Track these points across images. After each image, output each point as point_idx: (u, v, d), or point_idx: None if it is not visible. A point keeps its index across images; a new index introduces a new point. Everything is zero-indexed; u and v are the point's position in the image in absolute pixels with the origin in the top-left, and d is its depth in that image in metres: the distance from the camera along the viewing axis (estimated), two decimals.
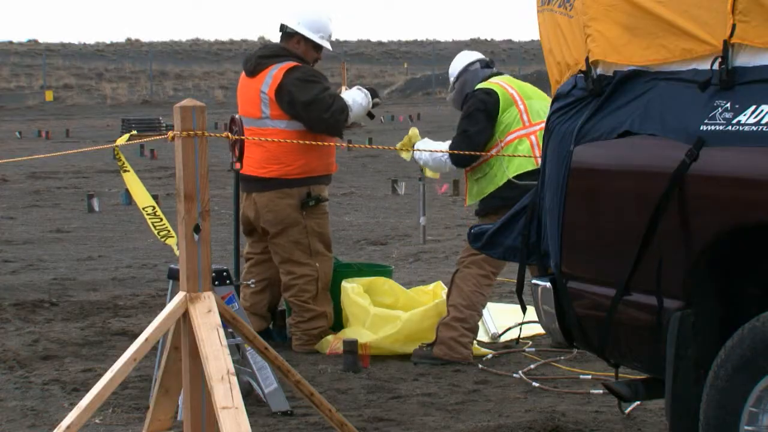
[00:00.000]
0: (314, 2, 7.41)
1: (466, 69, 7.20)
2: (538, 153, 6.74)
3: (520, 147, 6.85)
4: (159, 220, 6.96)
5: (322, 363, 6.76)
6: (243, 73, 7.25)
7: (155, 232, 6.96)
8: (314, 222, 7.09)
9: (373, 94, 7.34)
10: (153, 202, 7.02)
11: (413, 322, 6.90)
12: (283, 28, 7.25)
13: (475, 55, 7.34)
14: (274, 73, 7.01)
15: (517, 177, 6.78)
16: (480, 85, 7.07)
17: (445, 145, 7.10)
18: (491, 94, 6.94)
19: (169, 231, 6.92)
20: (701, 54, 3.94)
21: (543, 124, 6.61)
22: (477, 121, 6.90)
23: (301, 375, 4.50)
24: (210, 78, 57.40)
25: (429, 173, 7.48)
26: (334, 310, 7.19)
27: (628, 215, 4.09)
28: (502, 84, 7.04)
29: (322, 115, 6.94)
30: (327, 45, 7.26)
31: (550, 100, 7.02)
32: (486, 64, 7.27)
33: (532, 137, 6.86)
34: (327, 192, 7.24)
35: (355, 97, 7.17)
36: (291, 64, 7.04)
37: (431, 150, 7.12)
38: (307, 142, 6.77)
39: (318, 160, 7.09)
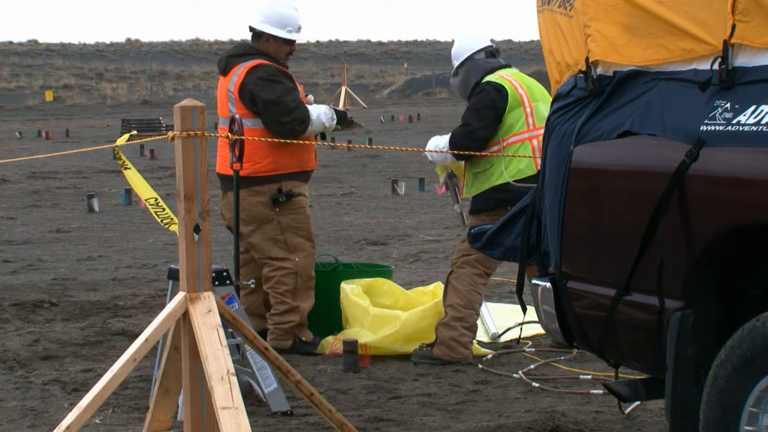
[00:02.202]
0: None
1: (471, 57, 7.08)
2: (539, 156, 6.67)
3: (522, 150, 6.83)
4: (162, 209, 6.98)
5: (322, 363, 6.76)
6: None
7: (159, 220, 6.99)
8: (289, 218, 7.03)
9: (342, 118, 7.23)
10: (155, 194, 7.05)
11: (412, 322, 6.91)
12: (250, 28, 7.21)
13: (480, 43, 7.14)
14: (240, 71, 7.01)
15: (516, 181, 6.75)
16: (490, 78, 7.00)
17: (445, 138, 7.02)
18: (501, 91, 6.91)
19: (172, 219, 6.94)
20: (701, 54, 3.94)
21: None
22: (483, 118, 6.86)
23: (301, 375, 4.50)
24: (210, 78, 57.36)
25: (443, 169, 7.39)
26: (334, 311, 7.17)
27: (628, 215, 4.09)
28: (513, 82, 6.98)
29: (281, 118, 6.91)
30: (296, 37, 7.18)
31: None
32: (491, 53, 7.15)
33: (534, 141, 6.83)
34: (305, 188, 7.18)
35: (320, 113, 7.08)
36: (256, 62, 7.01)
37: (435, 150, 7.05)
38: (296, 141, 6.75)
39: (289, 157, 7.03)
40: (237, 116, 6.53)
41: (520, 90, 6.95)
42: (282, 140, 6.75)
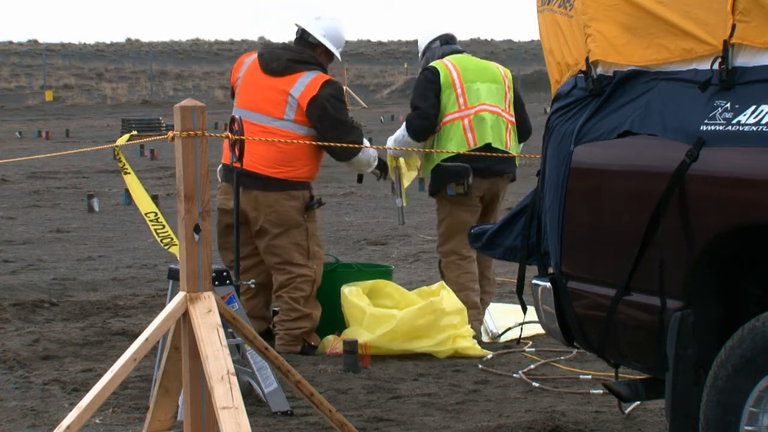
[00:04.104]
0: (333, 11, 7.45)
1: (428, 47, 7.75)
2: (471, 136, 7.37)
3: (452, 130, 7.38)
4: (161, 227, 6.87)
5: (322, 363, 6.76)
6: (257, 68, 7.19)
7: (158, 239, 6.87)
8: (312, 225, 7.17)
9: (383, 166, 7.65)
10: (155, 208, 6.93)
11: (408, 320, 6.90)
12: (303, 34, 7.29)
13: (435, 32, 7.82)
14: (308, 82, 7.06)
15: (447, 160, 7.36)
16: (430, 64, 7.58)
17: (402, 130, 7.55)
18: (434, 72, 7.45)
19: (172, 239, 6.83)
20: (701, 54, 3.94)
21: (482, 106, 7.35)
22: (426, 97, 7.42)
23: (301, 375, 4.50)
24: (210, 78, 57.40)
25: (406, 180, 8.03)
26: (335, 312, 7.18)
27: (628, 215, 4.09)
28: (448, 65, 7.51)
29: (344, 138, 7.03)
30: (340, 57, 7.50)
31: (502, 81, 7.66)
32: (446, 41, 7.77)
33: (465, 120, 7.38)
34: None
35: (370, 147, 7.39)
36: (325, 76, 7.16)
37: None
38: (317, 143, 6.89)
39: (317, 167, 7.25)
40: (237, 116, 6.52)
41: (453, 72, 7.46)
42: (289, 141, 6.81)
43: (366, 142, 7.37)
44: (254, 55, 7.31)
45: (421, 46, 7.82)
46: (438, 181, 7.43)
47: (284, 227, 7.04)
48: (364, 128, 8.36)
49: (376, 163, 7.50)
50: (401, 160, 7.88)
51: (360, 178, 7.85)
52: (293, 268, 7.05)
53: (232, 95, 7.42)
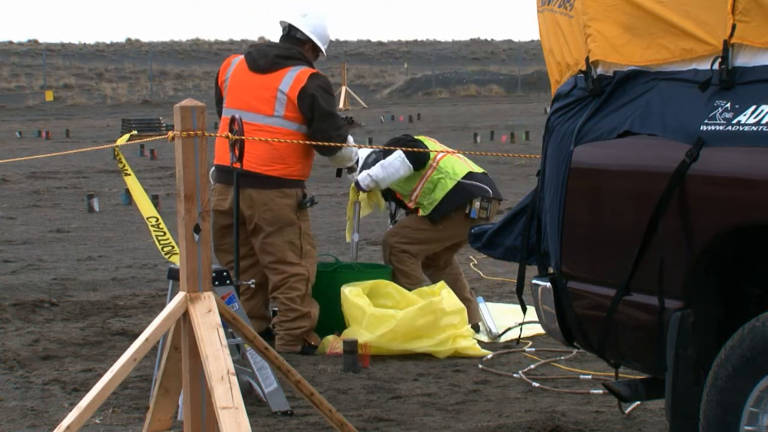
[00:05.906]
0: (318, 8, 7.47)
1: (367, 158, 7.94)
2: (465, 163, 7.81)
3: (450, 161, 7.73)
4: (162, 233, 6.80)
5: (322, 363, 6.77)
6: (245, 68, 7.19)
7: (159, 247, 6.82)
8: (305, 224, 7.18)
9: (357, 163, 7.84)
10: (156, 213, 6.88)
11: (408, 320, 6.91)
12: (290, 30, 7.31)
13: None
14: (296, 76, 7.07)
15: (464, 177, 7.65)
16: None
17: (394, 157, 7.63)
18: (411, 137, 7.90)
19: (173, 247, 6.77)
20: (701, 54, 3.94)
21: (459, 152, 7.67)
22: (412, 140, 7.76)
23: (301, 375, 4.50)
24: (210, 78, 57.31)
25: (364, 209, 8.19)
26: (335, 312, 7.18)
27: (628, 215, 4.09)
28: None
29: (332, 132, 7.05)
30: (325, 54, 7.54)
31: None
32: None
33: (457, 155, 7.86)
34: None
35: (352, 143, 7.44)
36: (312, 69, 7.17)
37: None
38: (311, 142, 6.89)
39: (309, 165, 7.26)
40: (237, 116, 6.52)
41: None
42: (285, 140, 6.81)
43: (350, 139, 7.39)
44: (241, 56, 7.33)
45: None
46: (458, 199, 7.61)
47: (278, 225, 7.04)
48: (364, 128, 8.41)
49: (356, 158, 7.63)
50: (362, 194, 7.96)
51: (339, 173, 7.92)
52: (287, 267, 7.05)
53: (219, 98, 7.44)
